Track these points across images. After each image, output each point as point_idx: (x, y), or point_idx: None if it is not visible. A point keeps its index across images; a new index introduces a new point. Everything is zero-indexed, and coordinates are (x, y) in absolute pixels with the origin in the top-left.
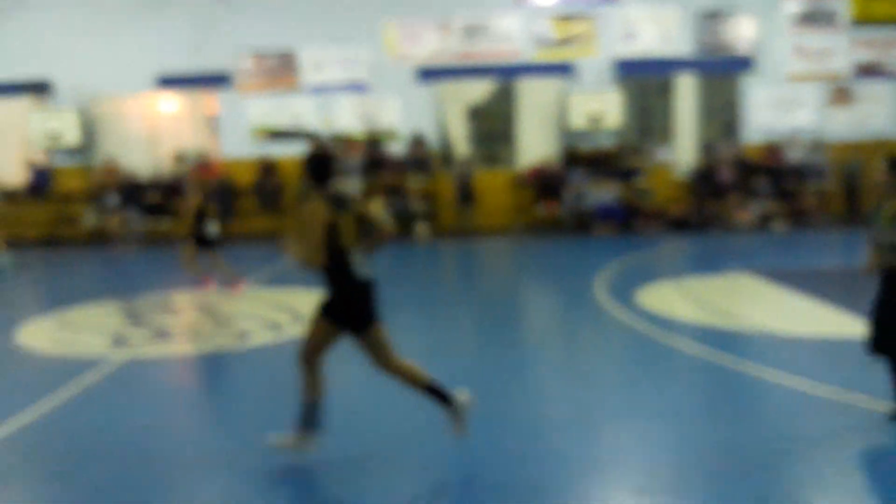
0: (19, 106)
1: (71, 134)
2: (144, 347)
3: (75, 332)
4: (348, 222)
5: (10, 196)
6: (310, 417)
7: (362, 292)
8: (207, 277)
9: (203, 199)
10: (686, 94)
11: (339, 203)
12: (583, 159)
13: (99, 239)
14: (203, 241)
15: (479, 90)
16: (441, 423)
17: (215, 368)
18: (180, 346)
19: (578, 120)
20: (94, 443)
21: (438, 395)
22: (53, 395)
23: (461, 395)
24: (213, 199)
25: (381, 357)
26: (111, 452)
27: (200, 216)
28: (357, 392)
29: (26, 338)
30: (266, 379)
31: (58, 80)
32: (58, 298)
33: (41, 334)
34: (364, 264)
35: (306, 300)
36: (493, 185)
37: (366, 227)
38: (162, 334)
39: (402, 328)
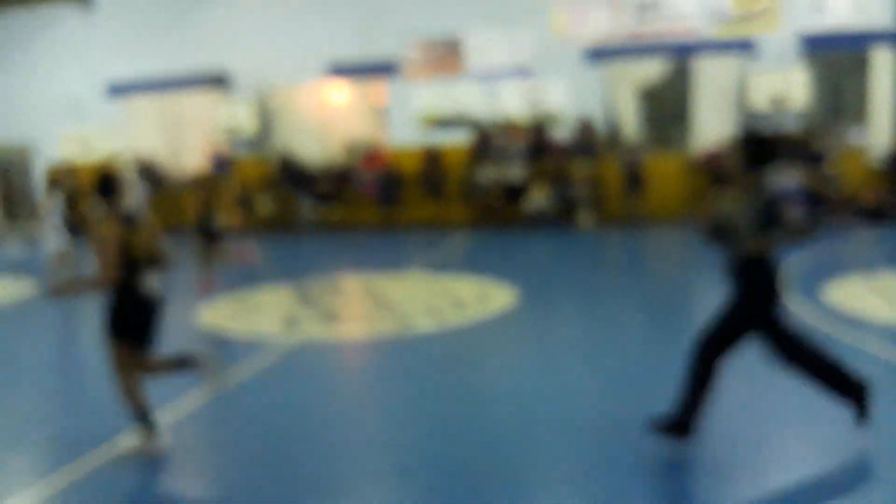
0: (203, 98)
1: (249, 124)
2: (314, 329)
3: (252, 314)
4: (139, 240)
5: (196, 183)
6: (144, 418)
7: (144, 309)
8: (209, 281)
9: (210, 192)
10: (883, 70)
11: (129, 222)
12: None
13: (273, 224)
14: (209, 235)
15: (650, 70)
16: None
17: (378, 352)
18: (347, 329)
19: (759, 100)
20: (264, 421)
21: (146, 421)
22: (230, 373)
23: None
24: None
25: (115, 371)
26: (276, 430)
27: (208, 210)
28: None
29: (207, 318)
30: (426, 364)
31: (237, 73)
32: (236, 281)
33: (221, 315)
34: (152, 282)
35: (467, 287)
36: (663, 171)
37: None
38: (331, 317)
39: (563, 317)
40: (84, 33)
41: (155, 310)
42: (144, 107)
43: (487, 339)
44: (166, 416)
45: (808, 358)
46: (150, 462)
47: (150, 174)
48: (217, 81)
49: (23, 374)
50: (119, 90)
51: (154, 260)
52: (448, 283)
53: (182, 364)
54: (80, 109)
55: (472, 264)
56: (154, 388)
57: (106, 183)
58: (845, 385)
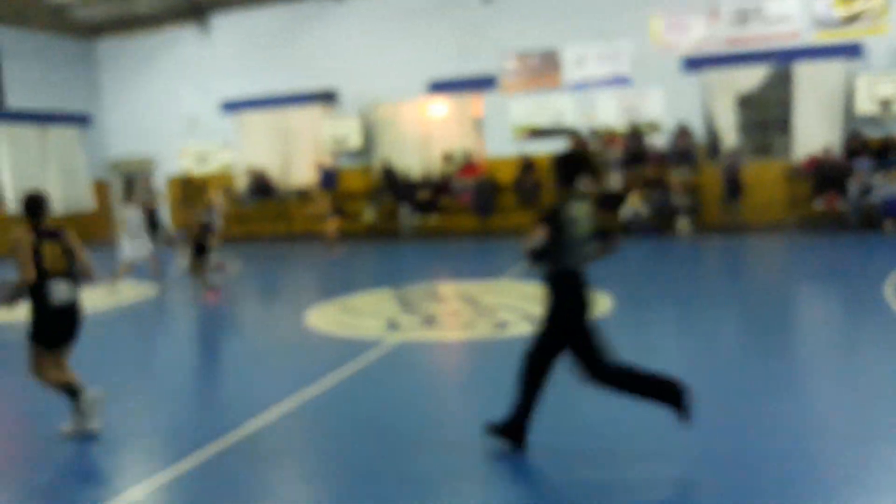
0: (312, 113)
1: (354, 138)
2: (414, 332)
3: (355, 317)
4: (53, 251)
5: (302, 194)
6: (73, 396)
7: (56, 315)
8: (212, 292)
9: (206, 216)
10: None
11: (48, 236)
12: (870, 148)
13: (376, 232)
14: (201, 251)
15: (750, 77)
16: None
17: (475, 354)
18: (445, 333)
19: (866, 105)
20: (368, 419)
21: (72, 392)
22: (335, 373)
23: (94, 392)
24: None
25: (32, 371)
26: (380, 428)
27: (205, 230)
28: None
29: (314, 321)
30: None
31: (343, 90)
32: (341, 286)
33: (326, 318)
34: (64, 291)
35: None
36: (764, 178)
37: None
38: (429, 321)
39: (659, 326)
40: (201, 54)
41: (68, 316)
42: (256, 122)
43: None
44: (281, 407)
45: (618, 376)
46: (264, 453)
47: (262, 185)
48: (325, 98)
49: (141, 371)
50: (233, 107)
51: (66, 272)
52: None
53: (70, 392)
54: (198, 125)
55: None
56: (268, 382)
57: (33, 203)
58: (663, 391)
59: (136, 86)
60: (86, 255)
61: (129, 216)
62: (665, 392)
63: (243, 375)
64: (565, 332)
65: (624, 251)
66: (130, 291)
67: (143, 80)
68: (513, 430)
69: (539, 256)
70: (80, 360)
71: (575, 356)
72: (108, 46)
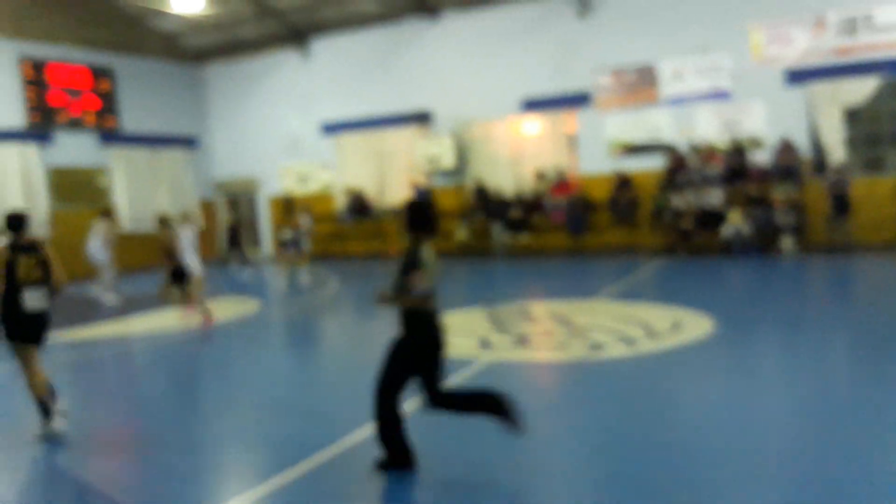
0: (406, 134)
1: (447, 157)
2: (506, 352)
3: (447, 334)
4: (27, 264)
5: (397, 214)
6: (44, 410)
7: (27, 320)
8: (190, 308)
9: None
10: None
11: (24, 248)
12: None
13: (468, 251)
14: (178, 276)
15: (859, 89)
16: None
17: (569, 376)
18: (538, 353)
19: None
20: (460, 435)
21: (45, 410)
22: None
23: (58, 423)
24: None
25: (24, 370)
26: (470, 444)
27: (175, 255)
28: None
29: None
30: (617, 389)
31: (437, 110)
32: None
33: None
34: (37, 299)
35: (660, 315)
36: (875, 195)
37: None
38: (522, 340)
39: (763, 349)
40: (302, 77)
41: (37, 320)
42: (353, 143)
43: (681, 368)
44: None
45: (456, 401)
46: (365, 469)
47: (359, 204)
48: (419, 118)
49: (247, 384)
50: (331, 128)
51: (40, 282)
52: (639, 310)
53: (42, 406)
54: (298, 146)
55: (665, 292)
56: (364, 397)
57: (13, 220)
58: (495, 407)
59: (240, 109)
60: (58, 268)
61: (185, 235)
62: (495, 406)
63: (340, 390)
64: (417, 364)
65: (724, 271)
66: (233, 307)
67: (246, 103)
68: (398, 459)
69: (395, 297)
70: (191, 372)
71: (422, 385)
72: (215, 71)
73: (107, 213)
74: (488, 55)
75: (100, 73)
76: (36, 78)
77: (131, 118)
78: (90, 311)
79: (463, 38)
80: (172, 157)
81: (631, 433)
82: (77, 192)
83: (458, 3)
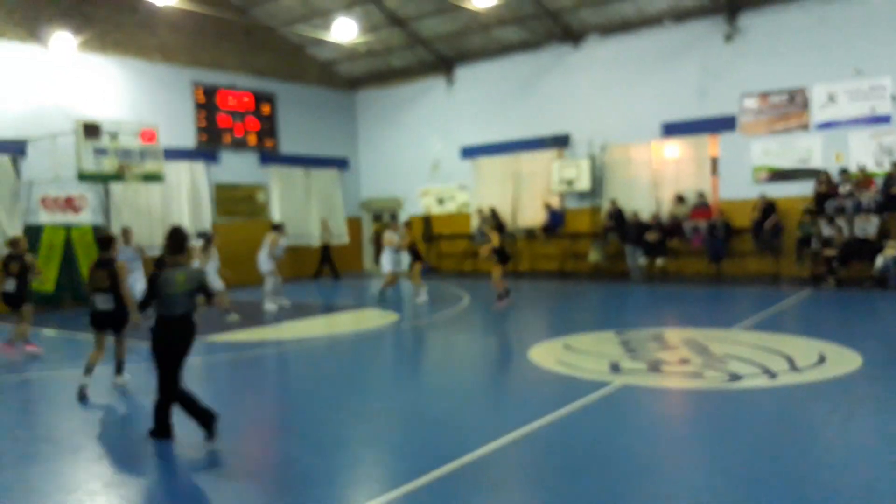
0: (544, 157)
1: (582, 179)
2: (638, 377)
3: (578, 356)
4: (12, 269)
5: (530, 234)
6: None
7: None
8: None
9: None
10: None
11: (13, 257)
12: None
13: (601, 273)
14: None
15: None
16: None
17: (703, 406)
18: (671, 381)
19: None
20: (587, 456)
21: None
22: (558, 409)
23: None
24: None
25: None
26: (598, 467)
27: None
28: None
29: (536, 357)
30: (754, 421)
31: (575, 133)
32: (565, 325)
33: (549, 355)
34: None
35: (803, 348)
36: None
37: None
38: (655, 367)
39: None
40: (446, 104)
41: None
42: (490, 165)
43: (824, 403)
44: (507, 437)
45: (181, 398)
46: (490, 481)
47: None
48: (557, 142)
49: (379, 393)
50: (471, 152)
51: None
52: (782, 342)
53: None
54: (439, 168)
55: (810, 325)
56: (494, 412)
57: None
58: (203, 416)
59: (387, 132)
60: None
61: (208, 259)
62: (206, 418)
63: (472, 403)
64: (162, 359)
65: (877, 305)
66: (363, 318)
67: (393, 127)
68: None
69: (142, 306)
70: (324, 380)
71: (160, 377)
72: (365, 97)
73: (276, 227)
74: (629, 79)
75: (262, 98)
76: (206, 102)
77: (289, 140)
78: (255, 316)
79: (604, 63)
80: (324, 177)
81: (762, 464)
82: (237, 206)
83: (602, 29)
